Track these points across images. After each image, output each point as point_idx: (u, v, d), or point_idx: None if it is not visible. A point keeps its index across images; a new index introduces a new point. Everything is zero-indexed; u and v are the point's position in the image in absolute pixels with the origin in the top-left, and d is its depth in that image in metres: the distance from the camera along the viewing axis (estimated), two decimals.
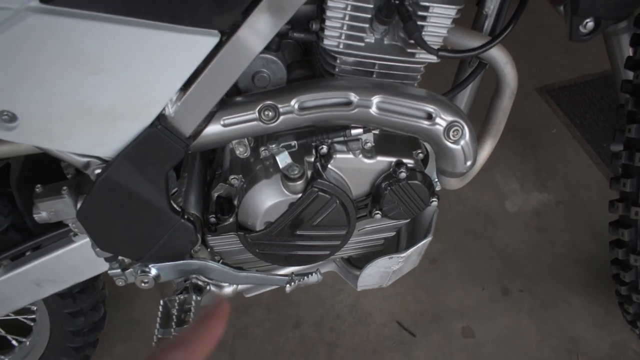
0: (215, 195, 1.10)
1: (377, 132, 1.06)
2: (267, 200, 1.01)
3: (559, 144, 2.35)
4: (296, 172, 0.97)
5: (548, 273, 1.96)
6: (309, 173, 1.01)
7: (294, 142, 1.01)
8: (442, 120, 0.96)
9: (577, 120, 2.44)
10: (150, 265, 1.12)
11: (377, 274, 1.20)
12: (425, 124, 0.96)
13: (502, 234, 2.07)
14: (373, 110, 0.95)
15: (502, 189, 2.21)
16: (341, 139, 1.04)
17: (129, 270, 1.14)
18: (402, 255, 1.16)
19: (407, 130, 0.98)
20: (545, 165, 2.28)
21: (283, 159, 0.98)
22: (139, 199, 0.98)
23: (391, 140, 1.13)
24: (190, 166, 1.23)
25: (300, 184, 0.98)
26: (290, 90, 0.97)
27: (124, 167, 0.94)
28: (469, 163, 1.01)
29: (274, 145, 1.00)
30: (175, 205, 1.04)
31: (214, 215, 1.10)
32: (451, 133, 0.97)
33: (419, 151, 1.10)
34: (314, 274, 1.11)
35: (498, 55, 1.06)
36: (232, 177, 1.06)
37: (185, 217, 1.05)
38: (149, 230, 1.03)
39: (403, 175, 1.04)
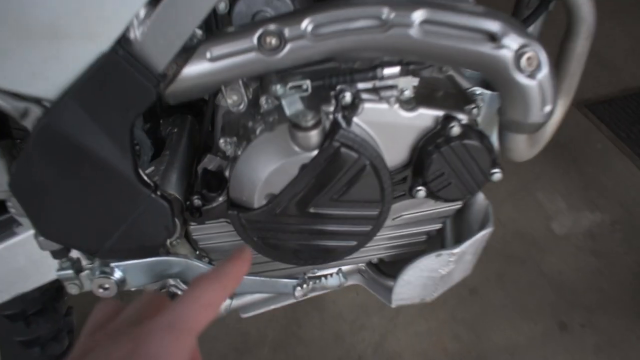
0: (201, 169, 0.83)
1: (415, 83, 0.78)
2: (270, 161, 0.73)
3: (605, 159, 2.08)
4: (309, 118, 0.70)
5: (613, 303, 1.63)
6: (327, 125, 0.73)
7: (306, 84, 0.74)
8: (511, 42, 0.69)
9: (622, 134, 2.17)
10: (112, 265, 0.83)
11: (419, 280, 0.90)
12: (487, 47, 0.69)
13: (552, 259, 1.76)
14: (414, 31, 0.69)
15: (547, 208, 1.91)
16: (370, 84, 0.77)
17: (85, 272, 0.85)
18: (455, 251, 0.86)
19: (462, 61, 0.72)
20: (593, 182, 1.99)
21: (292, 103, 0.71)
22: (92, 158, 0.70)
23: (435, 91, 0.86)
24: (174, 145, 0.96)
25: (315, 134, 0.70)
26: (301, 12, 0.71)
27: (70, 111, 0.68)
28: (547, 109, 0.73)
29: (278, 86, 0.73)
30: (144, 176, 0.76)
31: (198, 197, 0.82)
32: (524, 61, 0.70)
33: (472, 106, 0.82)
34: (335, 274, 0.81)
35: None
36: (222, 140, 0.79)
37: (159, 193, 0.77)
38: (106, 207, 0.75)
39: (455, 131, 0.76)
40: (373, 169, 0.74)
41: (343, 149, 0.71)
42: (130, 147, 0.72)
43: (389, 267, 1.00)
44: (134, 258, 0.82)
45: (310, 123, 0.70)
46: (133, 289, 0.87)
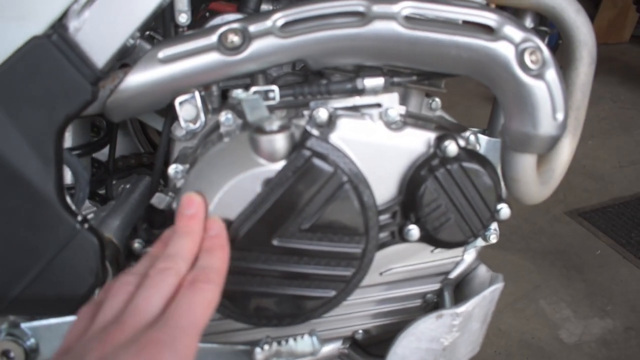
0: (145, 208, 0.68)
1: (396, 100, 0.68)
2: (225, 175, 0.58)
3: (607, 265, 1.95)
4: (275, 123, 0.57)
5: None
6: (297, 135, 0.60)
7: (273, 91, 0.63)
8: (511, 34, 0.59)
9: (622, 240, 2.07)
10: (22, 324, 0.64)
11: (415, 354, 0.71)
12: (484, 40, 0.59)
13: None
14: (399, 24, 0.59)
15: (552, 317, 1.73)
16: (349, 102, 0.66)
17: None
18: (460, 310, 0.69)
19: (455, 61, 0.61)
20: (599, 288, 1.84)
21: (254, 107, 0.59)
22: (2, 168, 0.56)
23: (424, 121, 0.75)
24: (123, 197, 0.82)
25: (281, 139, 0.57)
26: (270, 11, 0.62)
27: None
28: (559, 116, 0.62)
29: (240, 90, 0.62)
30: (71, 204, 0.61)
31: (139, 240, 0.67)
32: (528, 57, 0.60)
33: (469, 133, 0.71)
34: (306, 335, 0.63)
35: (563, 0, 0.72)
36: (174, 167, 0.65)
37: (87, 226, 0.62)
38: (16, 239, 0.59)
39: (452, 149, 0.64)
40: (353, 188, 0.59)
41: (315, 160, 0.58)
42: (56, 160, 0.58)
43: (378, 348, 0.81)
44: (51, 314, 0.64)
45: (276, 126, 0.57)
46: None
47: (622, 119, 3.05)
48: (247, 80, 0.74)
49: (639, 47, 4.17)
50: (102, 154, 0.91)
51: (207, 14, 0.80)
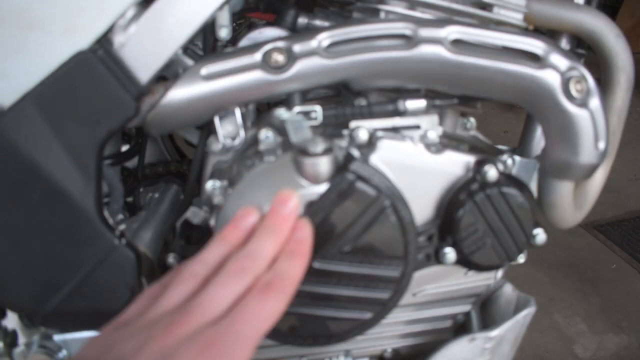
0: (180, 223, 0.68)
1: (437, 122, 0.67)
2: (268, 197, 0.58)
3: (623, 279, 1.93)
4: (319, 142, 0.57)
5: None
6: (340, 156, 0.60)
7: (316, 111, 0.63)
8: (557, 62, 0.59)
9: (637, 254, 2.06)
10: (55, 337, 0.64)
11: None
12: (530, 67, 0.59)
13: None
14: (446, 48, 0.59)
15: (566, 331, 1.72)
16: (389, 123, 0.66)
17: (19, 348, 0.66)
18: (492, 334, 0.68)
19: (500, 87, 0.61)
20: (614, 304, 1.82)
21: (299, 128, 0.58)
22: (45, 181, 0.56)
23: (460, 143, 0.75)
24: (153, 207, 0.82)
25: (325, 162, 0.57)
26: (315, 30, 0.62)
27: (26, 117, 0.55)
28: (601, 145, 0.62)
29: (283, 110, 0.61)
30: (109, 219, 0.61)
31: (174, 254, 0.66)
32: (573, 86, 0.59)
33: (506, 156, 0.70)
34: (341, 356, 0.63)
35: (603, 25, 0.71)
36: (211, 183, 0.65)
37: (125, 241, 0.61)
38: (54, 251, 0.59)
39: (492, 175, 0.63)
40: (395, 212, 0.59)
41: (359, 184, 0.58)
42: (96, 176, 0.58)
43: None
44: (84, 329, 0.64)
45: (321, 148, 0.57)
46: None
47: (638, 131, 3.03)
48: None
49: None
50: (130, 162, 0.90)
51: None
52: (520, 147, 0.80)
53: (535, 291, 1.88)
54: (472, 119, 0.82)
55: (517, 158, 0.74)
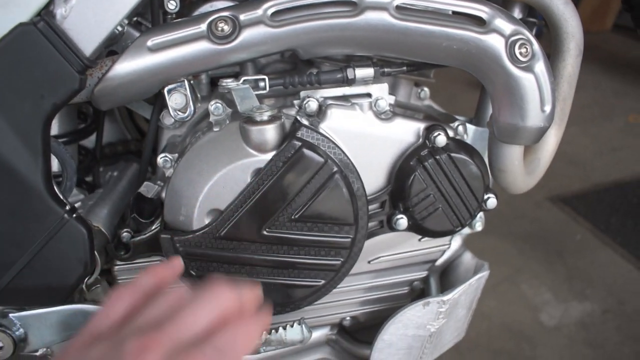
0: (133, 199, 0.68)
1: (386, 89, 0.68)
2: (215, 166, 0.58)
3: (587, 250, 1.98)
4: (266, 113, 0.57)
5: None
6: (287, 125, 0.61)
7: (263, 81, 0.63)
8: (502, 26, 0.60)
9: (601, 225, 2.10)
10: (11, 314, 0.64)
11: (402, 341, 0.72)
12: (475, 32, 0.60)
13: (545, 352, 1.58)
14: (391, 14, 0.59)
15: (533, 300, 1.76)
16: (339, 92, 0.66)
17: None
18: (446, 297, 0.70)
19: (446, 52, 0.61)
20: (578, 273, 1.87)
21: (245, 97, 0.59)
22: None
23: (413, 112, 0.76)
24: (111, 185, 0.81)
25: (272, 129, 0.57)
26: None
27: None
28: (547, 108, 0.63)
29: (230, 80, 0.61)
30: (59, 194, 0.61)
31: (127, 230, 0.66)
32: (518, 50, 0.60)
33: (458, 123, 0.71)
34: (295, 324, 0.64)
35: None
36: (162, 157, 0.65)
37: (76, 215, 0.61)
38: (4, 227, 0.58)
39: (441, 140, 0.64)
40: (343, 178, 0.60)
41: (306, 150, 0.58)
42: (43, 150, 0.58)
43: (365, 334, 0.82)
44: (39, 304, 0.63)
45: (267, 116, 0.57)
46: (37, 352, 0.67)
47: (603, 107, 3.08)
48: (237, 68, 0.73)
49: (620, 36, 4.20)
50: (89, 141, 0.89)
51: None
52: (476, 117, 0.81)
53: (503, 263, 1.91)
54: (425, 89, 0.83)
55: (472, 127, 0.75)
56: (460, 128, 0.71)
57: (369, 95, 0.67)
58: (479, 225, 0.80)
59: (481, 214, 0.79)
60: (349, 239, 0.62)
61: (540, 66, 0.61)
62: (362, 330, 0.83)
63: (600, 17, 4.25)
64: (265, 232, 0.59)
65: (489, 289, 1.77)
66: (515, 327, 1.66)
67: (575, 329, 1.65)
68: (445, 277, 0.86)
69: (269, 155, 0.58)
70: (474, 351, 1.59)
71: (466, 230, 0.82)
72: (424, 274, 0.78)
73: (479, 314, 1.67)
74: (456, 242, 0.85)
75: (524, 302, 1.75)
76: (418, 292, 0.82)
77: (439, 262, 0.83)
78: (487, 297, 1.75)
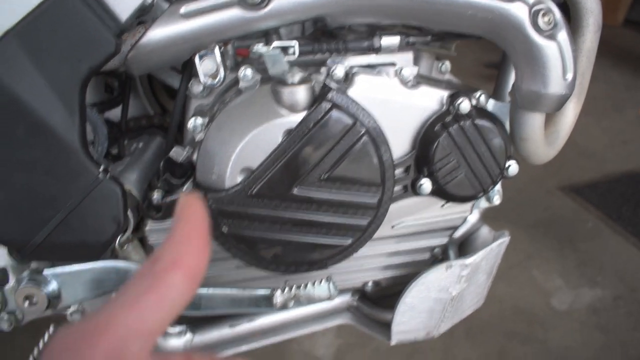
0: (163, 162, 0.70)
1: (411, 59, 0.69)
2: (248, 126, 0.60)
3: (598, 237, 1.99)
4: (297, 75, 0.59)
5: None
6: (317, 88, 0.62)
7: (292, 47, 0.64)
8: None
9: (613, 214, 2.11)
10: (45, 271, 0.66)
11: (424, 303, 0.74)
12: (500, 0, 0.61)
13: (556, 335, 1.59)
14: None
15: (544, 285, 1.78)
16: (365, 61, 0.68)
17: (9, 285, 0.67)
18: (468, 261, 0.72)
19: (470, 21, 0.63)
20: (590, 260, 1.88)
21: (276, 61, 0.60)
22: (29, 116, 0.57)
23: (434, 80, 0.77)
24: (137, 154, 0.83)
25: (302, 90, 0.59)
26: None
27: (9, 52, 0.56)
28: (569, 76, 0.64)
29: (261, 45, 0.63)
30: (94, 155, 0.63)
31: (157, 192, 0.68)
32: (541, 19, 0.61)
33: (479, 92, 0.73)
34: (323, 281, 0.66)
35: None
36: (192, 120, 0.66)
37: (110, 176, 0.63)
38: (41, 185, 0.60)
39: (465, 106, 0.66)
40: (371, 140, 0.61)
41: (335, 112, 0.60)
42: (80, 112, 0.60)
43: (385, 303, 0.84)
44: (70, 260, 0.65)
45: (298, 78, 0.59)
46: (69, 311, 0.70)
47: (615, 100, 3.08)
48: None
49: (631, 31, 4.19)
50: (114, 115, 0.91)
51: None
52: (496, 93, 0.82)
53: (515, 249, 1.92)
54: (447, 62, 0.84)
55: (492, 101, 0.77)
56: (482, 98, 0.72)
57: (393, 64, 0.68)
58: (497, 199, 0.82)
59: (499, 187, 0.80)
60: (375, 200, 0.64)
61: (562, 35, 0.62)
62: (382, 299, 0.85)
63: (612, 12, 4.23)
64: (295, 191, 0.61)
65: (500, 274, 1.78)
66: (527, 310, 1.68)
67: (587, 314, 1.66)
68: (463, 249, 0.87)
69: (299, 116, 0.59)
70: (486, 333, 1.60)
71: (484, 204, 0.83)
72: (444, 240, 0.80)
73: (490, 297, 1.69)
74: (474, 216, 0.87)
75: (535, 287, 1.77)
76: (438, 262, 0.83)
77: (458, 234, 0.84)
78: (499, 281, 1.76)
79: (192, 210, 0.31)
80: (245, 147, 0.60)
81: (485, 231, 0.87)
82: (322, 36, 0.73)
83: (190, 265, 0.28)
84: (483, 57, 3.02)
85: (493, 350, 1.55)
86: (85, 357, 0.25)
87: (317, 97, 0.60)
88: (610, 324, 1.63)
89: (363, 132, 0.61)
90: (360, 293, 0.82)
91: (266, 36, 0.71)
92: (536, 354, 1.53)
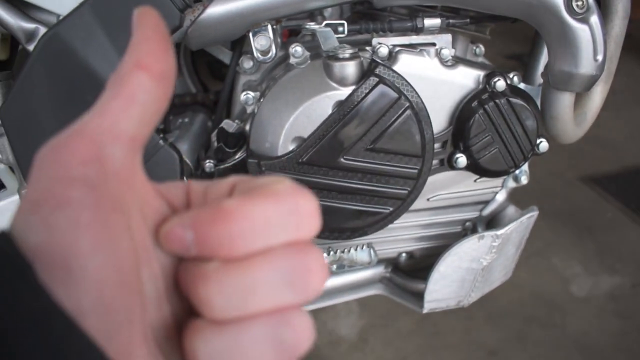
0: (215, 133, 0.75)
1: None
2: (301, 97, 0.65)
3: (617, 227, 2.02)
4: (348, 51, 0.64)
5: None
6: (365, 64, 0.67)
7: (342, 25, 0.69)
8: None
9: (632, 205, 2.13)
10: None
11: (457, 273, 0.78)
12: None
13: (575, 321, 1.63)
14: None
15: (563, 272, 1.81)
16: (406, 41, 0.72)
17: None
18: (500, 232, 0.76)
19: (508, 2, 0.67)
20: (609, 248, 1.91)
21: (328, 38, 0.65)
22: (100, 82, 0.62)
23: (469, 62, 0.81)
24: (185, 127, 0.88)
25: (352, 65, 0.64)
26: None
27: (84, 22, 0.61)
28: (599, 57, 0.68)
29: (313, 23, 0.68)
30: None
31: (210, 161, 0.73)
32: (575, 3, 0.65)
33: (513, 73, 0.77)
34: (365, 246, 0.70)
35: None
36: (244, 94, 0.71)
37: (169, 142, 0.68)
38: None
39: (500, 85, 0.70)
40: (414, 114, 0.66)
41: (382, 86, 0.64)
42: None
43: (417, 274, 0.88)
44: None
45: (348, 53, 0.63)
46: None
47: (636, 94, 3.08)
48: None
49: None
50: None
51: None
52: (526, 77, 0.86)
53: (535, 237, 1.93)
54: (481, 46, 0.88)
55: (523, 84, 0.81)
56: (516, 78, 0.76)
57: (433, 44, 0.73)
58: (524, 179, 0.86)
59: (526, 167, 0.85)
60: (416, 170, 0.68)
61: (594, 18, 0.66)
62: (413, 271, 0.89)
63: (635, 6, 4.21)
64: (342, 160, 0.66)
65: (520, 261, 1.82)
66: (546, 296, 1.71)
67: (605, 301, 1.69)
68: (491, 227, 0.91)
69: (349, 90, 0.64)
70: (505, 318, 1.64)
71: (512, 184, 0.87)
72: (476, 214, 0.84)
73: (510, 283, 1.72)
74: (502, 195, 0.91)
75: (554, 274, 1.80)
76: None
77: (487, 211, 0.88)
78: (518, 268, 1.78)
79: (148, 17, 0.28)
80: (298, 117, 0.65)
81: (512, 210, 0.91)
82: (361, 19, 0.77)
83: (154, 64, 0.26)
84: (504, 49, 3.04)
85: (512, 334, 1.59)
86: (61, 163, 0.23)
87: (366, 72, 0.65)
88: (628, 310, 1.66)
89: (407, 105, 0.65)
90: (393, 265, 0.87)
91: (311, 17, 0.76)
92: (554, 339, 1.57)
